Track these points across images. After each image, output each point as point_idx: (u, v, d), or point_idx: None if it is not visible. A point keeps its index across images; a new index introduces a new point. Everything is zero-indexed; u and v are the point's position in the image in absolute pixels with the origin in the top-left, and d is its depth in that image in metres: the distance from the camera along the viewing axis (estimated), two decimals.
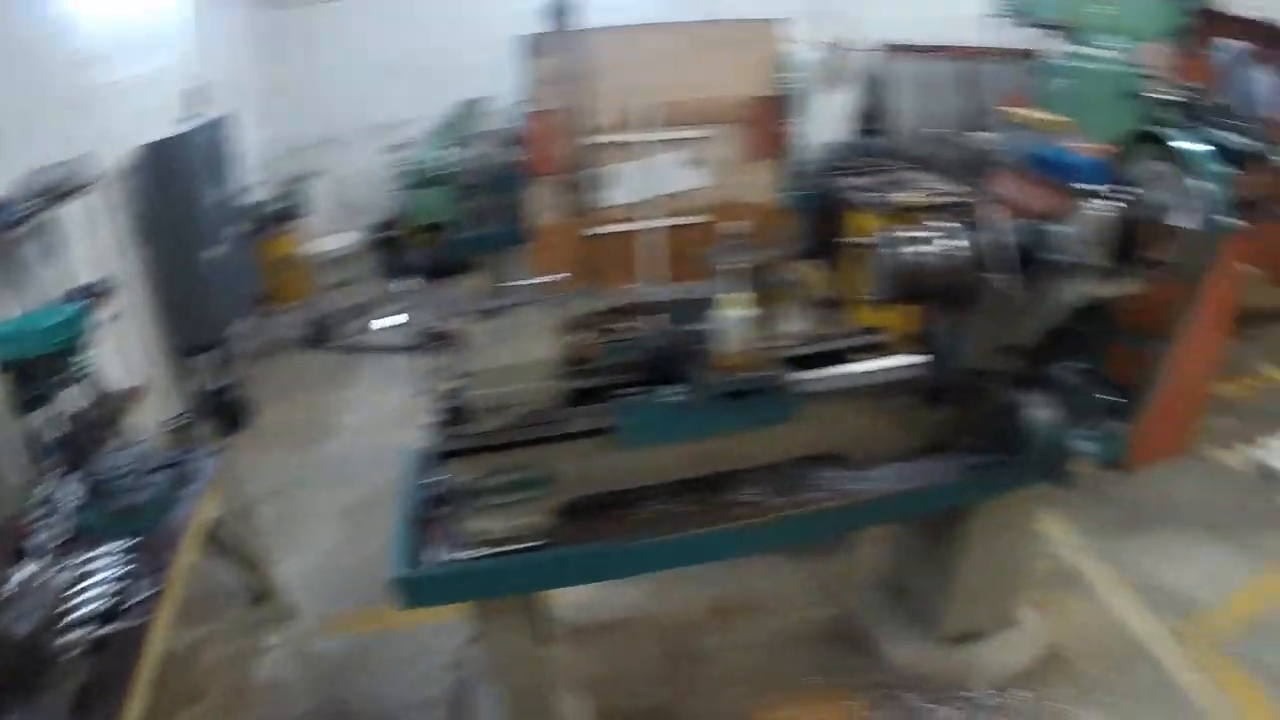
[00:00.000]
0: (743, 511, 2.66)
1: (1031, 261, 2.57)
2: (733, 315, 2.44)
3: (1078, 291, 2.55)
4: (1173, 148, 2.55)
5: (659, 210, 4.37)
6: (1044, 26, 5.24)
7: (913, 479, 2.84)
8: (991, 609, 3.31)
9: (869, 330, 3.18)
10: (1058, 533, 3.97)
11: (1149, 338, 2.79)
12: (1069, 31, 5.11)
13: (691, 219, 4.34)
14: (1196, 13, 5.17)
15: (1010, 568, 3.27)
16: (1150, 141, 2.66)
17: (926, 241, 2.71)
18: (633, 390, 2.60)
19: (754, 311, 2.49)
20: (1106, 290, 2.58)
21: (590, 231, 4.37)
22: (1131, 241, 2.53)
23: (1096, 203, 2.58)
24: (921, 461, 2.91)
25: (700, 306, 2.52)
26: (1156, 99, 5.35)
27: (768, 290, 2.66)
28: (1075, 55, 5.13)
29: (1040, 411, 2.74)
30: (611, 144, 4.26)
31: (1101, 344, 2.90)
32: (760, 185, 4.31)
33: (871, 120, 7.39)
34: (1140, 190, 2.60)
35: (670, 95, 4.18)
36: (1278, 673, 3.28)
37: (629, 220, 4.41)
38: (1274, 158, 5.06)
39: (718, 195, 4.23)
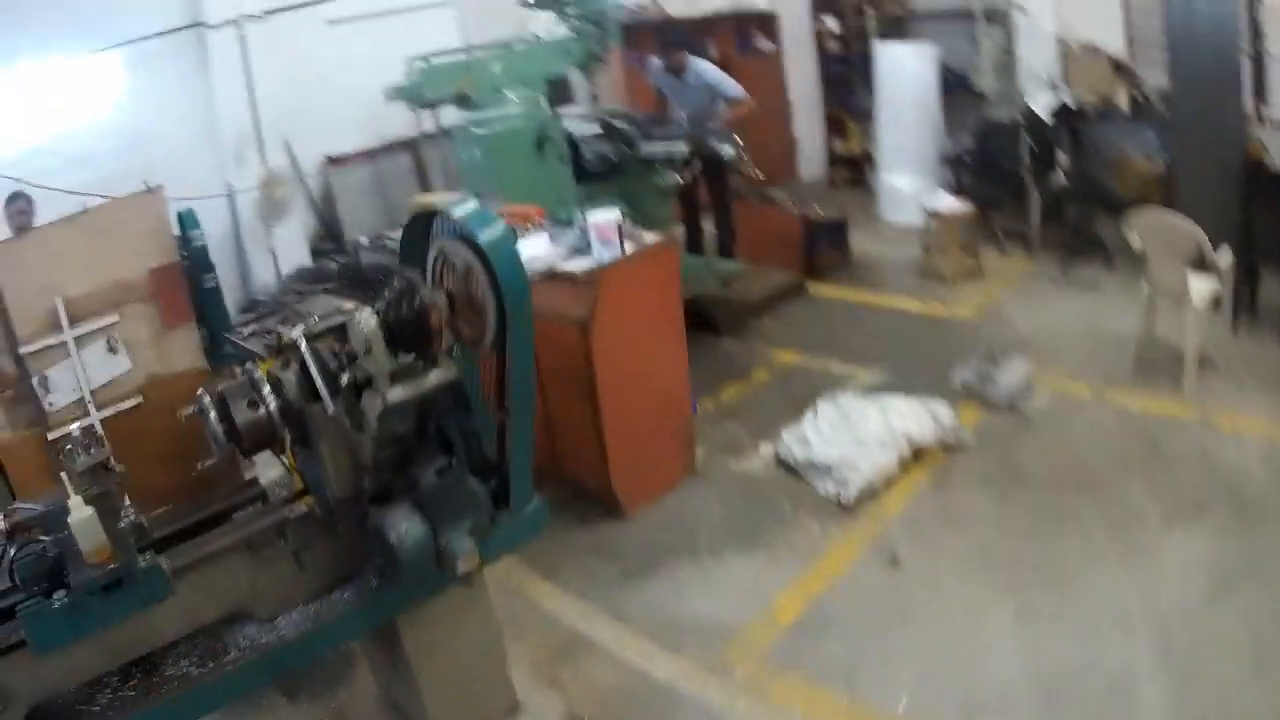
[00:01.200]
0: (173, 686, 2.53)
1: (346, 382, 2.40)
2: (80, 515, 2.28)
3: (379, 403, 2.36)
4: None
5: (102, 401, 3.99)
6: (438, 104, 5.23)
7: (314, 619, 2.69)
8: (475, 704, 3.06)
9: (250, 483, 2.98)
10: (556, 602, 3.70)
11: (501, 410, 2.64)
12: (467, 101, 5.10)
13: (126, 404, 3.99)
14: (600, 39, 5.37)
15: (478, 657, 3.02)
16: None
17: (247, 390, 2.47)
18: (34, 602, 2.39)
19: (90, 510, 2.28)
20: (411, 391, 2.40)
21: (53, 436, 3.97)
22: (423, 331, 2.37)
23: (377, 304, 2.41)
24: (329, 597, 2.74)
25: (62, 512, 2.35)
26: (574, 137, 5.72)
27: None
28: (477, 122, 5.11)
29: (401, 525, 2.53)
30: (44, 349, 3.88)
31: (470, 431, 2.74)
32: (182, 352, 3.98)
33: (330, 239, 7.37)
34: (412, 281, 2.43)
35: (75, 288, 3.85)
36: (833, 663, 3.18)
37: (83, 416, 3.97)
38: (726, 156, 5.58)
39: (142, 375, 3.89)
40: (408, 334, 2.36)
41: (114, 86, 6.40)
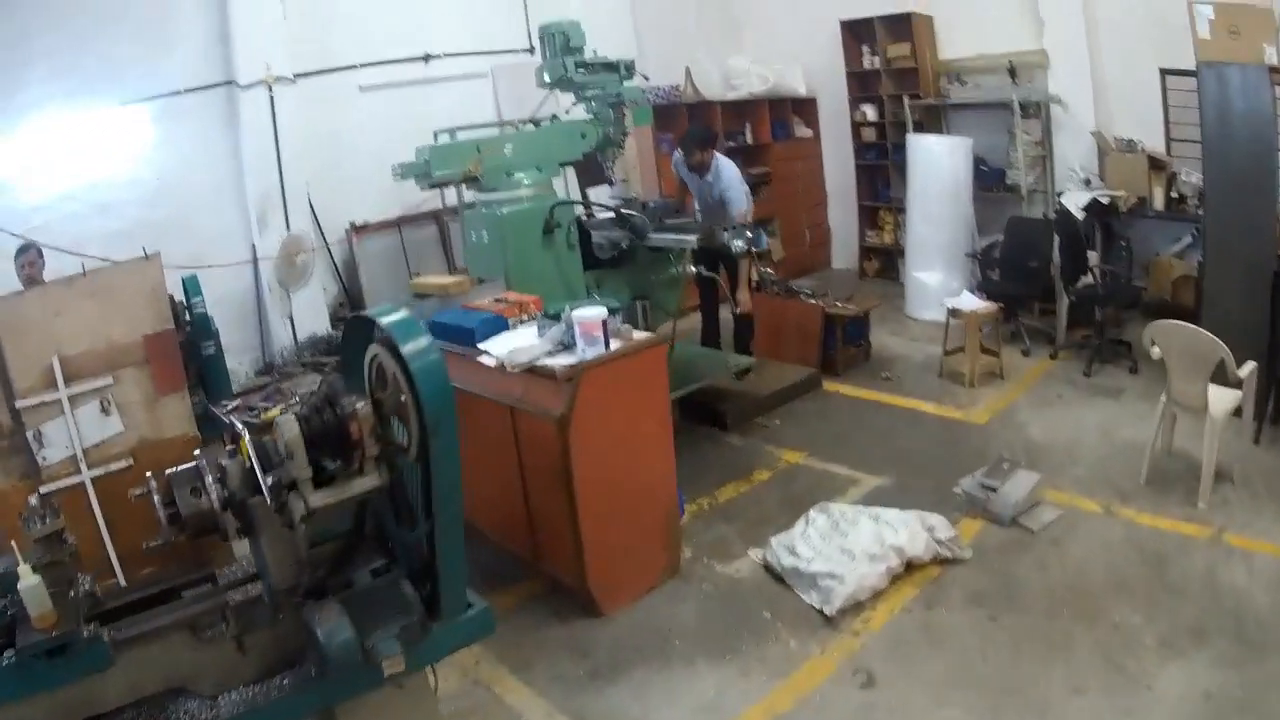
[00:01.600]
0: None
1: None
2: (28, 583, 2.32)
3: (301, 506, 2.36)
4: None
5: (94, 460, 4.07)
6: (446, 184, 5.24)
7: (254, 701, 2.64)
8: None
9: (202, 564, 2.97)
10: (520, 698, 3.57)
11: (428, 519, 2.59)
12: (476, 181, 5.13)
13: (116, 465, 4.07)
14: (618, 123, 5.44)
15: None
16: None
17: (194, 476, 2.49)
18: None
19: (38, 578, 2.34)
20: (332, 497, 2.40)
21: (44, 490, 4.05)
22: (344, 440, 2.37)
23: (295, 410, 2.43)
24: (270, 681, 2.69)
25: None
26: (583, 222, 5.77)
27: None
28: (486, 203, 5.15)
29: (329, 624, 2.50)
30: (40, 404, 3.98)
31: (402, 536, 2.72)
32: (173, 419, 4.05)
33: (351, 307, 7.42)
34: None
35: (72, 348, 3.95)
36: None
37: (74, 473, 4.07)
38: (736, 253, 5.54)
39: (134, 438, 3.96)
40: (330, 441, 2.35)
41: (142, 139, 6.47)
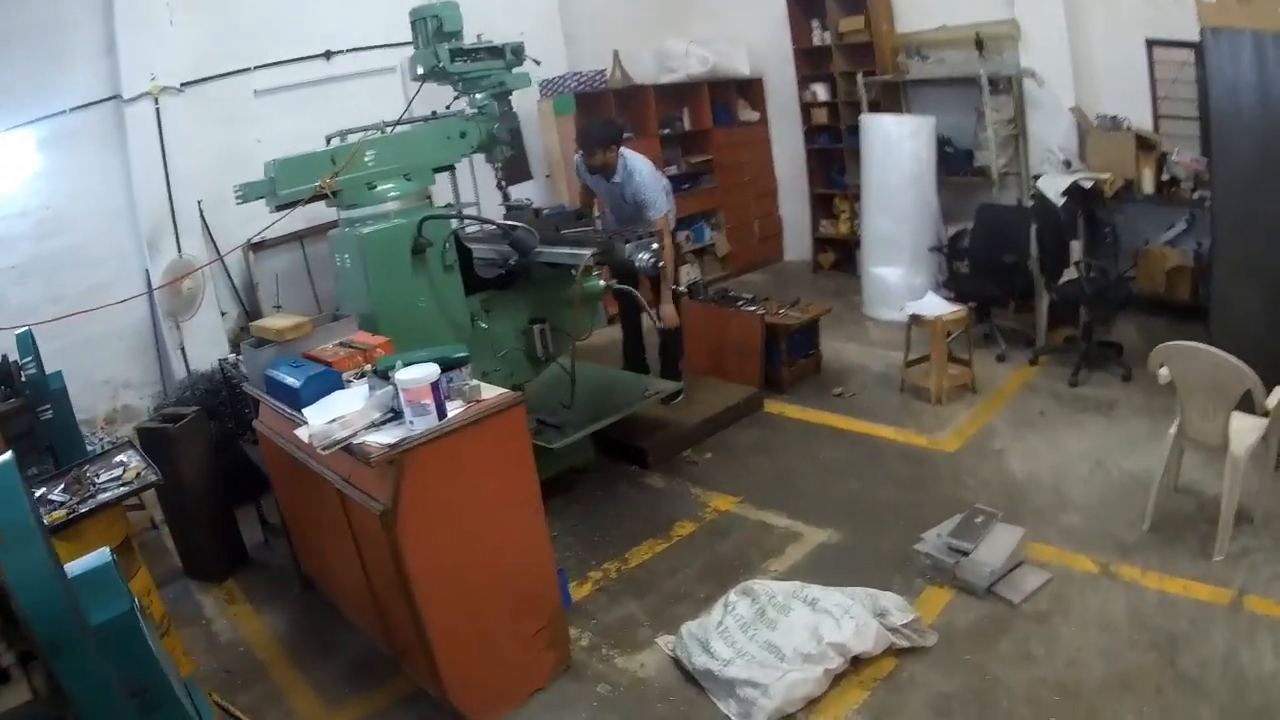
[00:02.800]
0: None
1: None
2: None
3: None
4: None
5: None
6: (295, 205, 4.27)
7: None
8: None
9: None
10: None
11: None
12: (335, 198, 4.27)
13: None
14: (507, 116, 4.57)
15: None
16: None
17: None
18: None
19: None
20: None
21: None
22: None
23: None
24: None
25: None
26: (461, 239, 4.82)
27: None
28: (349, 221, 4.28)
29: None
30: None
31: None
32: None
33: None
34: None
35: None
36: None
37: None
38: (640, 266, 4.57)
39: None
40: None
41: (28, 167, 5.87)
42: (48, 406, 4.31)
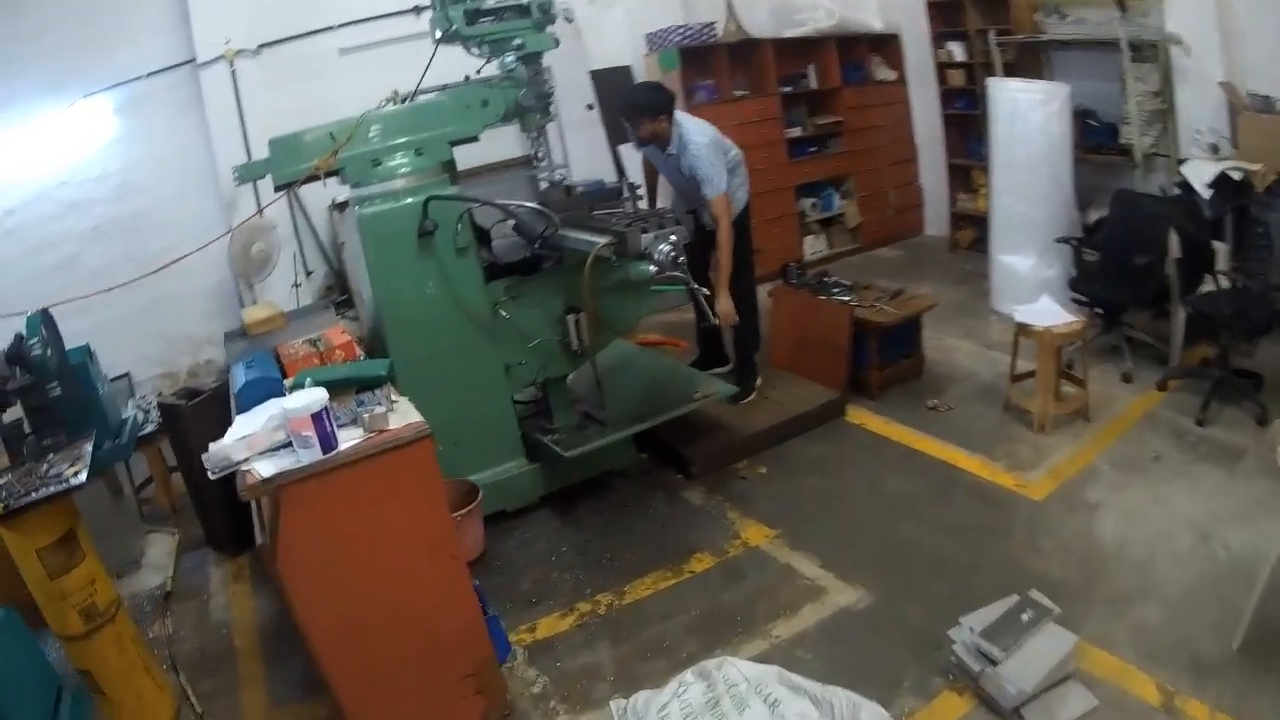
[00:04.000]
0: None
1: None
2: None
3: None
4: None
5: None
6: (293, 185, 4.03)
7: None
8: None
9: None
10: None
11: None
12: (343, 175, 3.96)
13: None
14: (537, 81, 4.07)
15: None
16: None
17: None
18: None
19: None
20: None
21: None
22: None
23: None
24: None
25: None
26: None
27: None
28: (359, 199, 3.94)
29: None
30: None
31: None
32: None
33: (341, 290, 6.61)
34: None
35: None
36: None
37: None
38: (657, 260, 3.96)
39: None
40: None
41: (106, 132, 6.09)
42: (54, 383, 4.24)
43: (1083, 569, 3.43)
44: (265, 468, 2.49)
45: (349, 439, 2.56)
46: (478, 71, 4.31)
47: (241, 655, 3.64)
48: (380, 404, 2.69)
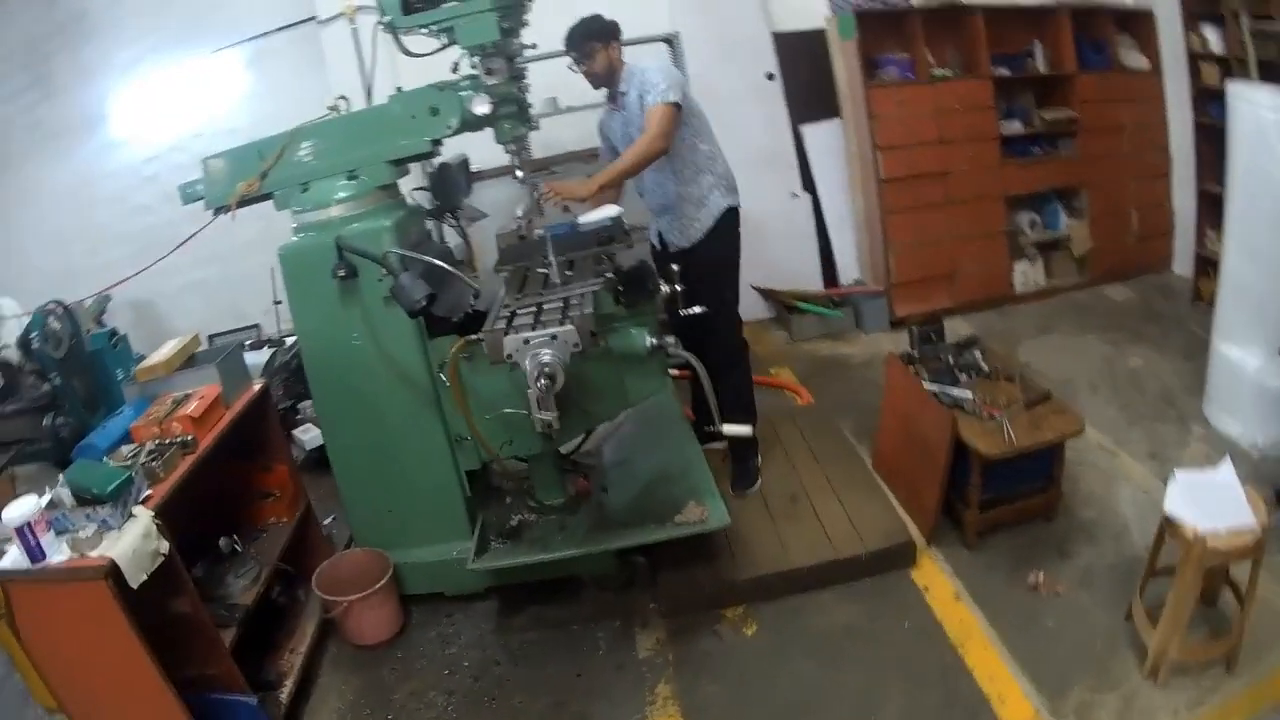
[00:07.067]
0: None
1: None
2: None
3: None
4: None
5: None
6: (226, 209, 3.43)
7: None
8: None
9: None
10: None
11: None
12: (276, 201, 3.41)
13: None
14: (506, 78, 3.28)
15: None
16: None
17: None
18: None
19: None
20: None
21: None
22: None
23: None
24: None
25: None
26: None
27: None
28: (304, 227, 3.37)
29: None
30: None
31: None
32: None
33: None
34: None
35: None
36: None
37: None
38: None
39: None
40: None
41: (235, 85, 6.49)
42: (55, 374, 5.09)
43: None
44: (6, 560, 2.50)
45: (58, 554, 2.49)
46: (453, 69, 3.47)
47: None
48: (105, 521, 2.53)
